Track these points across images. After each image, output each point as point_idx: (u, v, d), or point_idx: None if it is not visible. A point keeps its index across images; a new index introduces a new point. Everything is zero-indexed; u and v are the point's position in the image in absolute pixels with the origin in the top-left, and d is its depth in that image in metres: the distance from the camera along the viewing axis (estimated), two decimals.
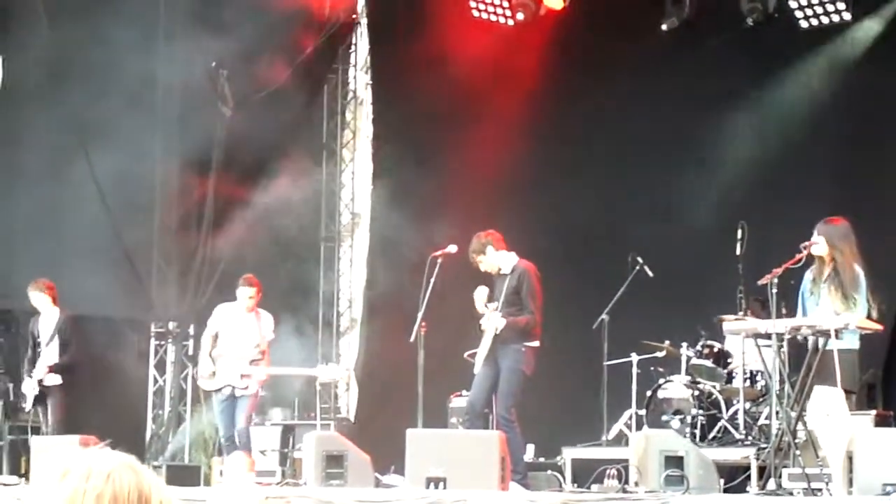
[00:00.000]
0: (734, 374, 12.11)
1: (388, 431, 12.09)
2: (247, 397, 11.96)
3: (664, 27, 14.65)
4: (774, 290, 9.17)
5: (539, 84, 15.17)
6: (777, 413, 9.86)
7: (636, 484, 9.85)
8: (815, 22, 14.26)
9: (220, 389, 12.03)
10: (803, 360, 9.15)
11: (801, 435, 9.28)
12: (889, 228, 12.45)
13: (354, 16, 17.11)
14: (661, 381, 12.26)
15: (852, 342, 9.08)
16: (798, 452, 9.05)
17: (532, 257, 11.16)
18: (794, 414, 9.06)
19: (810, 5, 14.20)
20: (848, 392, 9.04)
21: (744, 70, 14.30)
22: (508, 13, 15.83)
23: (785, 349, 9.27)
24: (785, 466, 9.14)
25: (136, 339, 15.54)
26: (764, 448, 10.51)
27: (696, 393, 12.02)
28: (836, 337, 8.82)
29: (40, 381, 12.38)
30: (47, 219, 14.28)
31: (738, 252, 12.02)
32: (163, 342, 15.85)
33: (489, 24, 15.89)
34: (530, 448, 12.33)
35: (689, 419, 11.86)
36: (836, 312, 8.97)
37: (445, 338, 11.68)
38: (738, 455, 11.21)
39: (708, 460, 9.96)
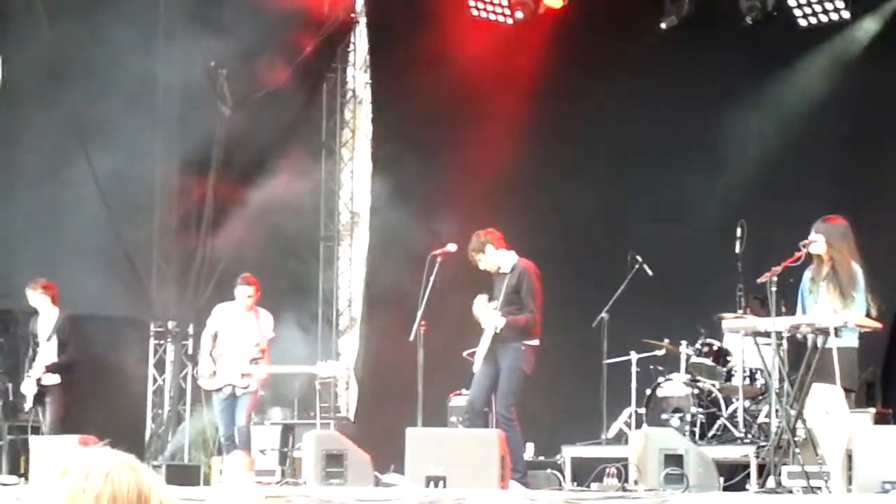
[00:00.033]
0: (733, 373, 12.10)
1: (387, 430, 12.09)
2: (247, 395, 11.98)
3: (663, 26, 14.66)
4: (774, 289, 9.17)
5: (538, 82, 15.17)
6: (776, 411, 9.86)
7: (636, 482, 9.85)
8: (813, 20, 14.26)
9: (220, 389, 12.04)
10: (803, 359, 9.16)
11: (801, 433, 9.29)
12: (888, 227, 12.46)
13: (353, 15, 17.12)
14: (661, 379, 12.26)
15: (851, 340, 9.09)
16: (797, 450, 9.05)
17: (532, 256, 11.16)
18: (793, 412, 9.06)
19: (809, 4, 14.21)
20: (847, 390, 9.05)
21: (742, 69, 14.30)
22: (507, 12, 15.84)
23: (784, 347, 9.27)
24: (784, 464, 9.13)
25: (135, 339, 15.54)
26: (763, 446, 10.51)
27: (696, 391, 12.02)
28: (836, 335, 8.83)
29: (39, 381, 12.38)
30: (47, 218, 14.29)
31: (737, 250, 12.02)
32: (162, 341, 15.86)
33: (488, 23, 15.90)
34: (530, 447, 12.33)
35: (688, 417, 11.86)
36: (834, 311, 8.97)
37: (445, 337, 11.67)
38: (738, 453, 11.21)
39: (707, 458, 9.96)
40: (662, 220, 13.96)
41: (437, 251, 11.11)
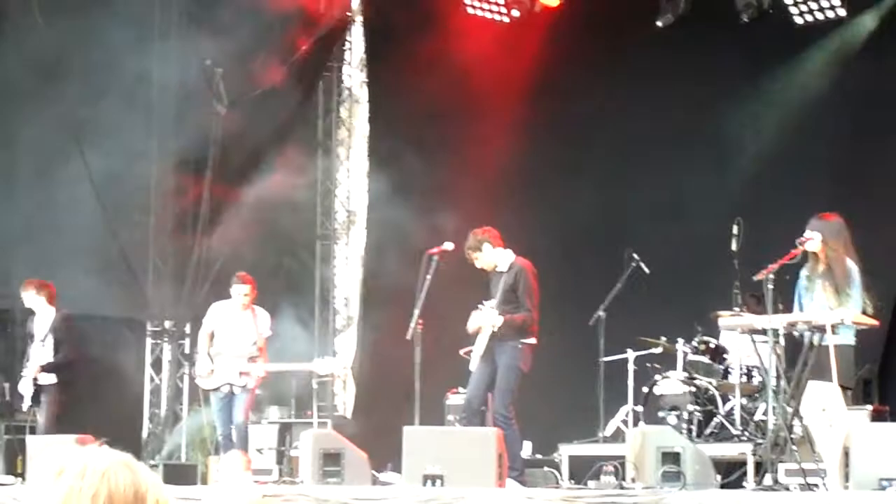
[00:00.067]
0: (730, 370, 12.10)
1: (384, 429, 12.08)
2: (245, 394, 11.98)
3: (659, 23, 14.65)
4: (770, 286, 9.17)
5: (534, 80, 15.17)
6: (773, 408, 9.86)
7: (633, 480, 9.86)
8: (809, 18, 14.25)
9: (218, 388, 12.04)
10: (799, 356, 9.16)
11: (798, 430, 9.29)
12: (885, 224, 12.45)
13: (349, 13, 17.11)
14: (658, 377, 12.26)
15: (848, 338, 9.10)
16: (794, 448, 9.05)
17: (528, 254, 11.16)
18: (790, 409, 9.06)
19: (805, 1, 14.20)
20: (844, 387, 9.06)
21: (738, 67, 14.30)
22: (504, 10, 15.83)
23: (781, 345, 9.28)
24: (781, 462, 9.14)
25: (132, 339, 15.53)
26: (760, 443, 10.51)
27: (693, 389, 12.02)
28: (832, 332, 8.83)
29: (35, 381, 12.37)
30: (43, 218, 14.27)
31: (733, 248, 12.01)
32: (159, 341, 15.85)
33: (484, 21, 15.89)
34: (527, 445, 12.33)
35: (685, 415, 11.86)
36: (829, 308, 8.98)
37: (442, 335, 11.68)
38: (735, 451, 11.21)
39: (704, 456, 9.97)
40: (659, 217, 13.96)
41: (434, 250, 11.11)
